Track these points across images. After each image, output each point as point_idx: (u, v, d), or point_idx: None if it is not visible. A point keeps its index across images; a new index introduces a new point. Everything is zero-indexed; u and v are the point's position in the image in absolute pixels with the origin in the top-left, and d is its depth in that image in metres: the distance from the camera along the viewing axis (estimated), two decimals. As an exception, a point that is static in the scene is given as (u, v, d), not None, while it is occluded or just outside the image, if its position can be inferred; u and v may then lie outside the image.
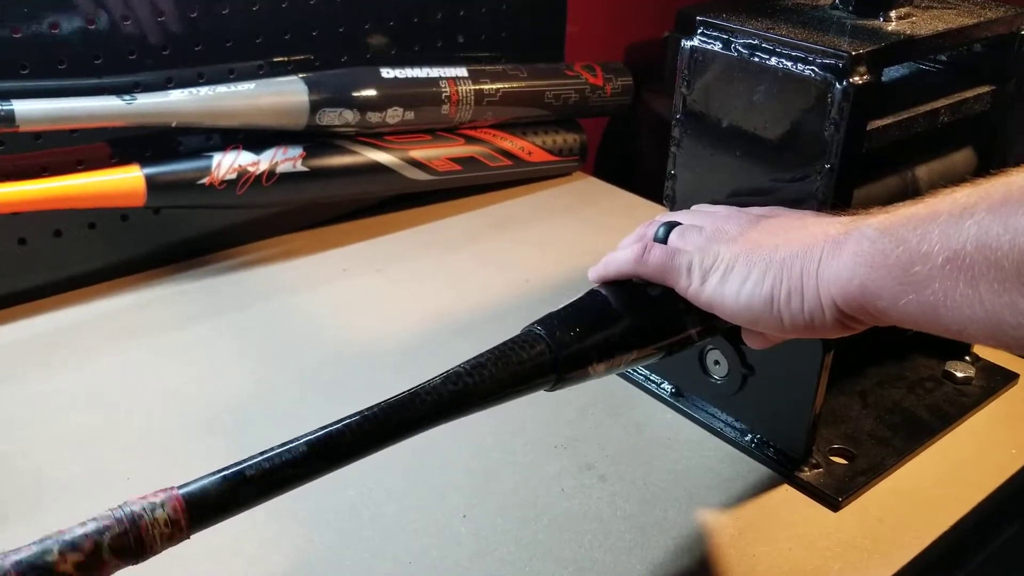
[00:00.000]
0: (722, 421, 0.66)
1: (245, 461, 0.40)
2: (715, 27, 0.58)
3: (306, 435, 0.41)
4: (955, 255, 0.38)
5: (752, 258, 0.49)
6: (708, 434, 0.66)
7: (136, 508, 0.36)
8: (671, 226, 0.55)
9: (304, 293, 0.83)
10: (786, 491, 0.61)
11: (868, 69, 0.53)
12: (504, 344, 0.47)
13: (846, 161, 0.53)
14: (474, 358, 0.46)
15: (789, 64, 0.54)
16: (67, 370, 0.71)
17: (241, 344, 0.75)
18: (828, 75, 0.53)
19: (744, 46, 0.57)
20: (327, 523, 0.57)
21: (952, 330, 0.40)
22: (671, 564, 0.55)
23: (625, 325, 0.52)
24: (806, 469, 0.61)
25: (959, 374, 0.70)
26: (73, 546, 0.34)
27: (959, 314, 0.39)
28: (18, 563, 0.34)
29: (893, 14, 0.60)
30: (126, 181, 0.77)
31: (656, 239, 0.55)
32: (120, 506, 0.37)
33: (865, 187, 0.60)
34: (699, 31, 0.59)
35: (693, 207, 0.60)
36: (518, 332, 0.50)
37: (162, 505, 0.37)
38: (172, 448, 0.63)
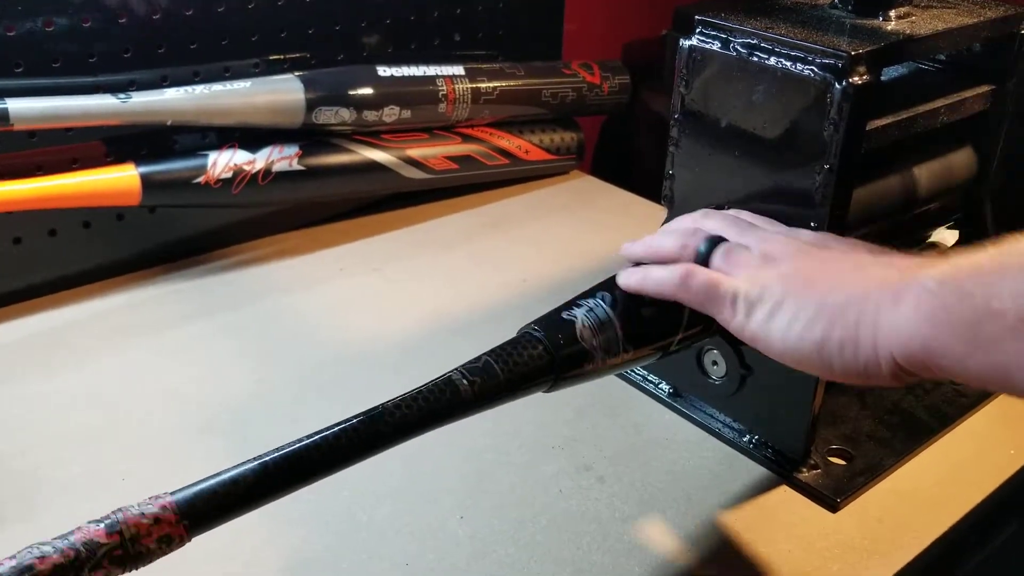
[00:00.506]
0: (720, 422, 0.65)
1: (242, 464, 0.40)
2: (713, 26, 0.58)
3: (305, 437, 0.41)
4: None
5: (803, 298, 0.46)
6: (706, 435, 0.65)
7: (132, 514, 0.36)
8: (715, 242, 0.52)
9: (300, 292, 0.83)
10: (784, 492, 0.61)
11: (867, 69, 0.53)
12: (501, 346, 0.47)
13: (845, 161, 0.53)
14: (470, 361, 0.45)
15: (788, 64, 0.54)
16: (64, 370, 0.70)
17: (238, 344, 0.75)
18: (827, 75, 0.52)
19: (743, 45, 0.56)
20: (323, 525, 0.56)
21: None
22: (669, 565, 0.55)
23: (623, 325, 0.51)
24: (804, 470, 0.61)
25: (957, 374, 0.70)
26: (67, 554, 0.34)
27: None
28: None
29: (892, 13, 0.59)
30: (121, 180, 0.77)
31: (699, 255, 0.52)
32: (116, 512, 0.36)
33: (865, 187, 0.60)
34: (697, 30, 0.59)
35: (732, 212, 0.57)
36: (515, 332, 0.50)
37: (157, 511, 0.36)
38: (170, 448, 0.63)
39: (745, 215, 0.56)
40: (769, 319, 0.47)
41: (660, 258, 0.54)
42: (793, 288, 0.47)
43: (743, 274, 0.49)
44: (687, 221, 0.57)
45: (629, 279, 0.53)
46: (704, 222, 0.56)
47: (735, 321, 0.49)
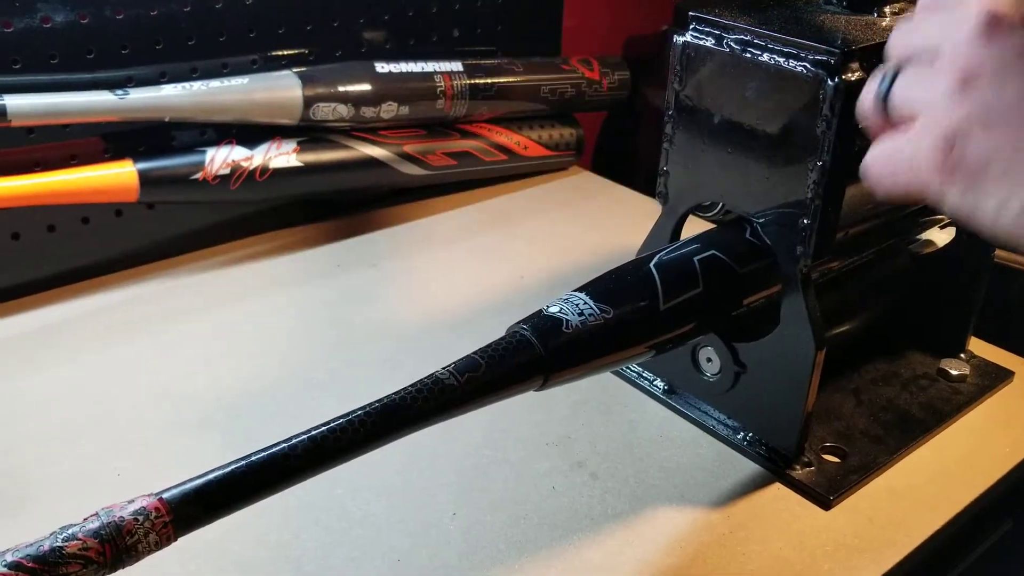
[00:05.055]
0: (714, 419, 0.65)
1: (232, 463, 0.40)
2: (707, 22, 0.58)
3: (293, 437, 0.41)
4: None
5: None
6: (700, 432, 0.65)
7: (119, 514, 0.36)
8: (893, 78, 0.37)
9: (297, 289, 0.83)
10: (778, 489, 0.61)
11: (860, 66, 0.52)
12: (490, 346, 0.47)
13: (838, 158, 0.53)
14: (458, 361, 0.45)
15: (781, 60, 0.54)
16: (58, 366, 0.71)
17: (234, 340, 0.75)
18: (820, 71, 0.52)
19: (736, 42, 0.56)
20: (315, 521, 0.56)
21: None
22: (661, 562, 0.55)
23: (615, 323, 0.51)
24: (798, 467, 0.61)
25: (954, 372, 0.70)
26: (51, 556, 0.34)
27: None
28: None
29: (887, 9, 0.59)
30: (119, 176, 0.77)
31: (879, 93, 0.37)
32: (102, 512, 0.36)
33: (858, 184, 0.60)
34: (691, 26, 0.59)
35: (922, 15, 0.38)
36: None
37: (145, 509, 0.36)
38: (163, 445, 0.63)
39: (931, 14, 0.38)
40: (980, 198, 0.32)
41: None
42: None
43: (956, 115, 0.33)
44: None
45: (882, 180, 0.38)
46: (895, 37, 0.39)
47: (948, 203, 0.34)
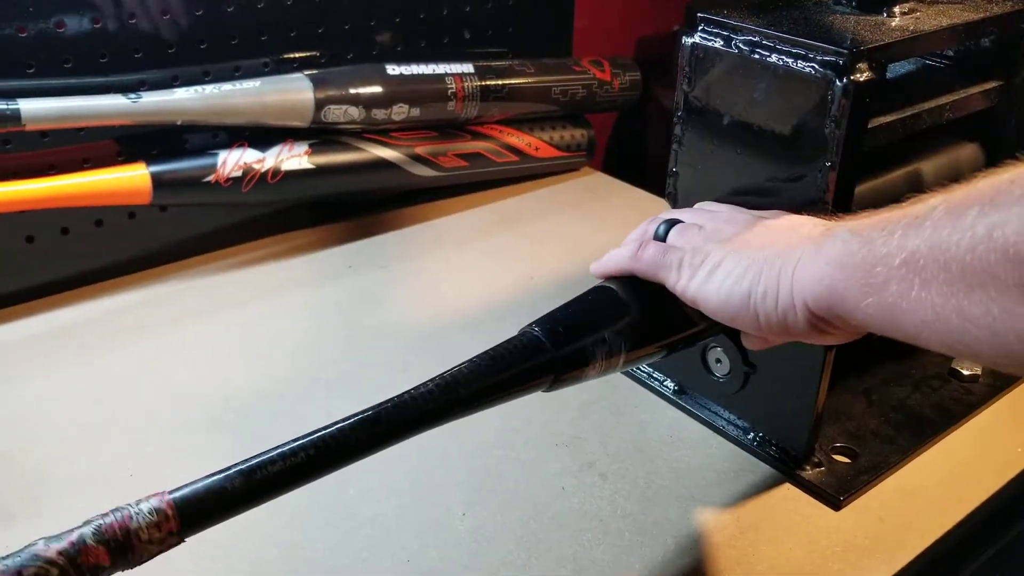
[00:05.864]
0: (724, 419, 0.65)
1: (240, 463, 0.40)
2: (716, 24, 0.58)
3: (301, 437, 0.41)
4: (911, 257, 0.38)
5: (739, 257, 0.49)
6: (710, 432, 0.65)
7: (126, 513, 0.36)
8: (672, 224, 0.55)
9: (309, 290, 0.83)
10: (788, 490, 0.61)
11: (869, 66, 0.52)
12: (500, 346, 0.47)
13: (847, 159, 0.53)
14: (468, 360, 0.45)
15: (790, 61, 0.54)
16: (73, 367, 0.71)
17: (245, 342, 0.75)
18: (828, 72, 0.52)
19: (745, 43, 0.56)
20: (326, 521, 0.57)
21: (910, 335, 0.40)
22: (671, 563, 0.55)
23: (624, 324, 0.51)
24: (808, 468, 0.61)
25: (966, 372, 0.70)
26: (60, 552, 0.34)
27: (914, 318, 0.38)
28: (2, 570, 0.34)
29: (897, 9, 0.59)
30: (132, 179, 0.78)
31: (656, 236, 0.56)
32: (111, 512, 0.37)
33: (868, 184, 0.60)
34: (700, 28, 0.59)
35: (698, 205, 0.60)
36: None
37: (153, 510, 0.37)
38: (176, 446, 0.63)
39: (706, 204, 0.59)
40: (708, 279, 0.50)
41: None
42: (733, 249, 0.50)
43: (691, 244, 0.52)
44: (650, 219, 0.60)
45: (597, 265, 0.56)
46: (667, 214, 0.59)
47: (679, 284, 0.52)
